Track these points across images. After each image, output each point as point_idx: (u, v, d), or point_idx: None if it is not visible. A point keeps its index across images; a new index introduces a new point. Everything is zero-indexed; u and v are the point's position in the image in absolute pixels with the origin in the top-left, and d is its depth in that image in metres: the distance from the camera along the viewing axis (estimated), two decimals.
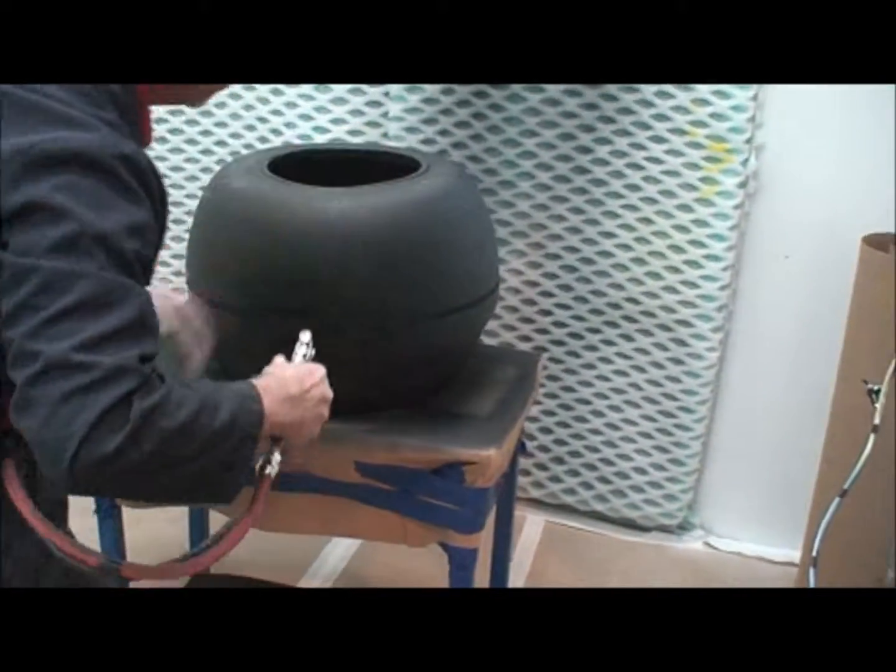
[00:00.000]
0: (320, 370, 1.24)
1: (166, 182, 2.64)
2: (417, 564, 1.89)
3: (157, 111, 2.55)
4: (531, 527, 2.58)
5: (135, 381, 0.94)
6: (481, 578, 2.01)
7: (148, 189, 1.02)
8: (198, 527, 2.20)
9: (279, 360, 1.25)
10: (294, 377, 1.18)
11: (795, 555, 2.33)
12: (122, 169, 0.98)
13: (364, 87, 2.40)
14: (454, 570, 1.63)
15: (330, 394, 1.24)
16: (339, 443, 1.57)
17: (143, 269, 1.01)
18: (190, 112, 2.55)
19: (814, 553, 1.71)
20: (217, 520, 2.06)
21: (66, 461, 0.91)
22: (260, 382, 1.12)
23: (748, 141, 2.18)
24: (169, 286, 2.73)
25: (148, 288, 1.02)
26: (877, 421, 1.78)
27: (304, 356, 1.29)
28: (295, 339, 1.30)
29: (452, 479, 1.56)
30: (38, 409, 0.92)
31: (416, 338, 1.62)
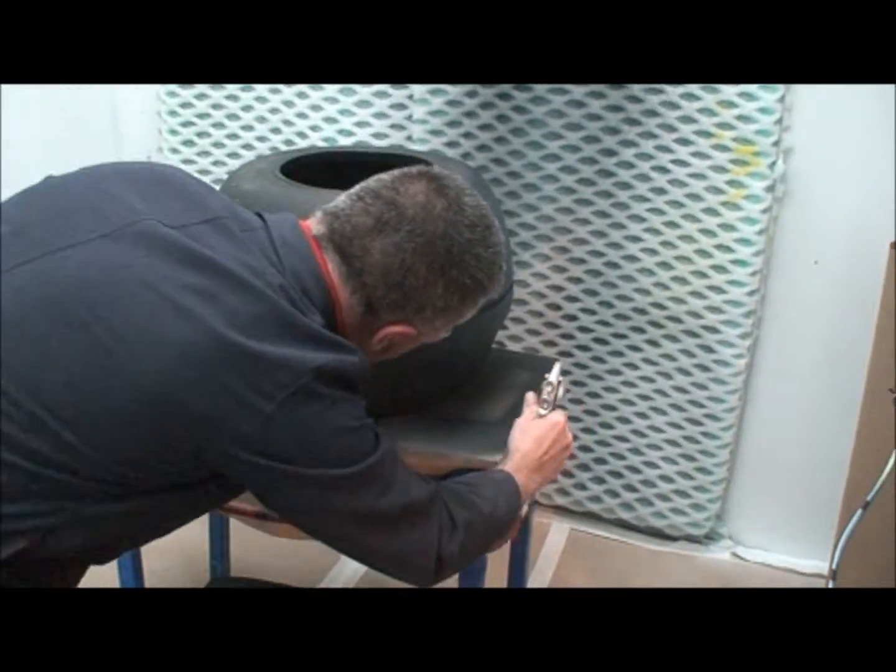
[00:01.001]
0: (559, 424, 1.39)
1: None
2: None
3: (176, 109, 2.58)
4: (555, 534, 2.55)
5: (438, 517, 1.20)
6: (499, 586, 1.99)
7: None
8: (217, 528, 2.21)
9: (529, 406, 1.43)
10: (534, 446, 1.37)
11: (824, 566, 2.27)
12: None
13: (388, 89, 2.40)
14: (463, 577, 1.61)
15: (569, 440, 1.41)
16: None
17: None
18: (216, 115, 2.56)
19: (833, 565, 1.67)
20: (237, 527, 2.08)
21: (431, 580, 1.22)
22: (512, 464, 1.35)
23: (776, 144, 2.13)
24: None
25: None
26: None
27: (548, 403, 1.41)
28: None
29: None
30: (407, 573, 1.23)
31: None
